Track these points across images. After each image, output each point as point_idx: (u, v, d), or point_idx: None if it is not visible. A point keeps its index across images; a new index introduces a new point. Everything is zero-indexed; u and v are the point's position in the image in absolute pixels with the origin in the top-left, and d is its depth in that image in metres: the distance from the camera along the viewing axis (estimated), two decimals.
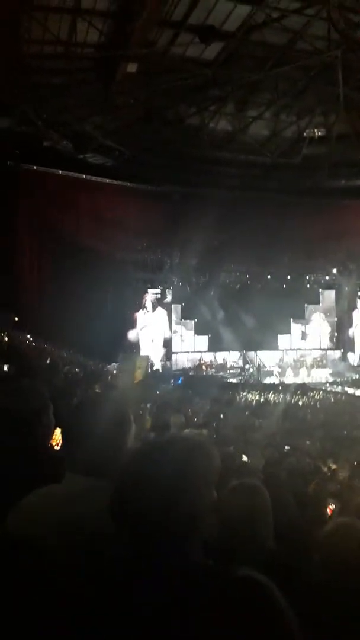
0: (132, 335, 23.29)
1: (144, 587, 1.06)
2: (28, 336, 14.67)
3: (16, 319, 16.57)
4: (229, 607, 0.99)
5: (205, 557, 1.16)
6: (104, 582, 1.12)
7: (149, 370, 20.73)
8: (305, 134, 20.78)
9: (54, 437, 2.16)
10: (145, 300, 23.93)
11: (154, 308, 23.94)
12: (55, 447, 2.14)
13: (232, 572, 1.06)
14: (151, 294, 24.02)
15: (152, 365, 21.82)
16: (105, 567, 1.15)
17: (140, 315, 23.72)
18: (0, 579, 1.44)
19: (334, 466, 8.31)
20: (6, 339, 11.48)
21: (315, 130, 21.21)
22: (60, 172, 20.46)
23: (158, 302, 24.12)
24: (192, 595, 1.02)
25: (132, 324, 23.45)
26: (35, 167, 19.56)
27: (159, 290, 24.20)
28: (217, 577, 1.07)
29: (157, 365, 23.32)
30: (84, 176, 21.13)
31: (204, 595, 1.02)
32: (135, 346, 23.08)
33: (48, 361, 9.59)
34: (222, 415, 14.02)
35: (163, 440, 1.27)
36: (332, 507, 4.89)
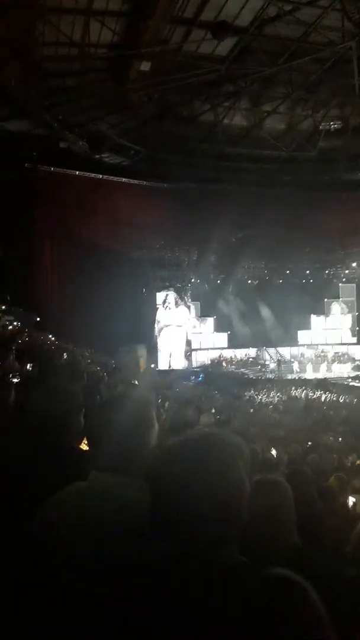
0: (152, 332, 23.37)
1: (182, 586, 1.06)
2: (50, 336, 14.80)
3: (37, 319, 16.74)
4: (265, 607, 0.99)
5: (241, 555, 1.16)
6: (138, 580, 1.12)
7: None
8: (321, 127, 20.57)
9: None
10: (166, 298, 23.97)
11: (175, 305, 23.97)
12: (82, 446, 2.18)
13: (268, 572, 1.06)
14: (171, 292, 24.05)
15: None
16: (140, 566, 1.14)
17: (160, 313, 23.76)
18: (29, 574, 1.47)
19: (357, 461, 8.24)
20: (27, 338, 11.60)
21: (331, 122, 20.99)
22: (77, 172, 20.59)
23: (179, 300, 24.14)
24: (229, 594, 1.02)
25: (152, 322, 23.52)
26: (52, 169, 19.71)
27: (177, 288, 24.22)
28: (253, 577, 1.06)
29: (181, 363, 23.38)
30: (101, 176, 21.23)
31: (240, 595, 1.01)
32: (155, 344, 23.18)
33: (69, 360, 9.68)
34: (243, 412, 14.00)
35: (195, 437, 1.23)
36: (354, 502, 4.86)
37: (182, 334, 23.91)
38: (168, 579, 1.08)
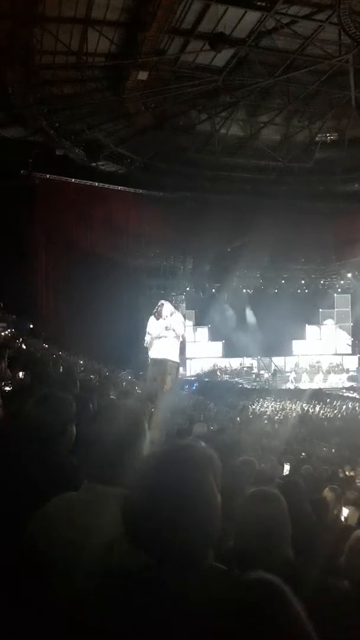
0: (146, 342, 23.30)
1: (158, 595, 1.07)
2: (43, 343, 14.75)
3: (31, 326, 16.68)
4: (241, 610, 0.99)
5: (217, 562, 1.20)
6: (116, 591, 1.13)
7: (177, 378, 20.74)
8: (317, 138, 20.73)
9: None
10: (160, 307, 23.93)
11: (169, 314, 23.92)
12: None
13: (245, 575, 1.07)
14: (166, 300, 24.02)
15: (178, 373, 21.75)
16: (118, 577, 1.16)
17: (154, 322, 23.71)
18: (19, 583, 1.46)
19: (351, 473, 8.23)
20: (23, 346, 11.55)
21: (328, 134, 21.16)
22: (73, 180, 20.63)
23: (174, 308, 24.11)
24: (206, 600, 1.03)
25: (146, 331, 23.47)
26: (48, 176, 19.74)
27: (173, 297, 24.21)
28: (230, 582, 1.09)
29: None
30: (97, 184, 21.28)
31: (216, 599, 1.02)
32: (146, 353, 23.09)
33: (63, 368, 9.63)
34: (237, 421, 13.96)
35: (165, 451, 1.29)
36: (348, 514, 4.84)
37: (175, 343, 23.83)
38: (146, 588, 1.09)
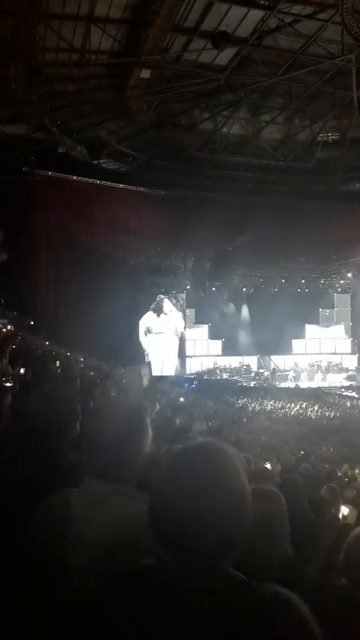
0: (145, 339, 23.36)
1: (177, 598, 1.04)
2: (44, 340, 14.75)
3: (32, 322, 16.69)
4: (260, 625, 0.98)
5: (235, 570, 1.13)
6: (121, 591, 1.10)
7: (152, 374, 20.71)
8: (318, 138, 20.73)
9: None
10: (159, 304, 23.97)
11: (168, 312, 23.98)
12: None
13: (263, 588, 1.05)
14: (165, 298, 24.07)
15: (152, 369, 21.71)
16: (134, 575, 1.13)
17: (153, 319, 23.77)
18: (20, 580, 1.46)
19: (350, 471, 8.25)
20: (21, 342, 11.55)
21: (329, 134, 21.15)
22: (74, 177, 20.62)
23: (172, 307, 24.16)
24: (224, 611, 1.01)
25: (145, 328, 23.52)
26: (50, 173, 19.73)
27: (171, 295, 24.24)
28: (248, 594, 1.05)
29: (172, 370, 23.33)
30: (98, 182, 21.27)
31: (235, 611, 1.01)
32: (144, 351, 23.15)
33: (63, 365, 9.63)
34: (236, 420, 13.99)
35: (191, 448, 1.19)
36: (346, 512, 4.86)
37: (174, 341, 23.90)
38: (163, 589, 1.06)
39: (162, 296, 23.99)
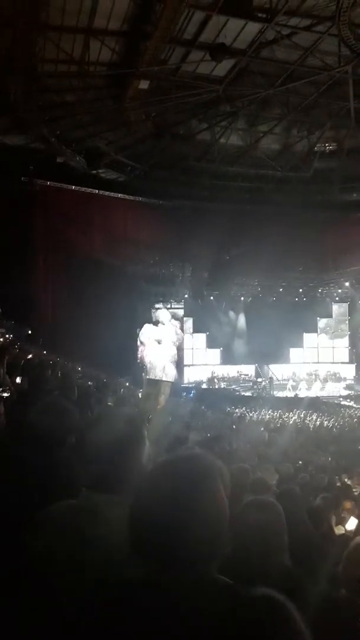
0: (142, 349, 23.35)
1: (160, 607, 1.05)
2: (41, 349, 14.71)
3: (29, 331, 16.66)
4: (247, 627, 0.98)
5: (220, 575, 1.14)
6: (116, 601, 1.11)
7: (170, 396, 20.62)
8: (316, 148, 20.86)
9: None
10: (157, 313, 23.98)
11: (165, 322, 23.98)
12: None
13: (250, 591, 1.05)
14: (163, 308, 24.08)
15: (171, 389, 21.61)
16: (118, 587, 1.14)
17: (151, 329, 23.76)
18: (17, 590, 1.45)
19: (348, 481, 8.22)
20: (18, 351, 11.51)
21: (326, 144, 21.30)
22: (73, 187, 20.70)
23: (170, 316, 24.17)
24: (210, 615, 1.01)
25: (143, 338, 23.51)
26: (48, 183, 19.80)
27: (169, 304, 24.26)
28: (234, 597, 1.05)
29: (170, 379, 23.28)
30: (97, 191, 21.35)
31: (221, 615, 1.01)
32: (143, 361, 23.11)
33: (60, 374, 9.60)
34: (234, 429, 13.93)
35: (173, 459, 1.22)
36: (345, 523, 4.84)
37: (171, 350, 23.88)
38: (148, 600, 1.06)
39: (159, 305, 24.02)
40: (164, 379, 20.18)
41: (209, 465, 1.19)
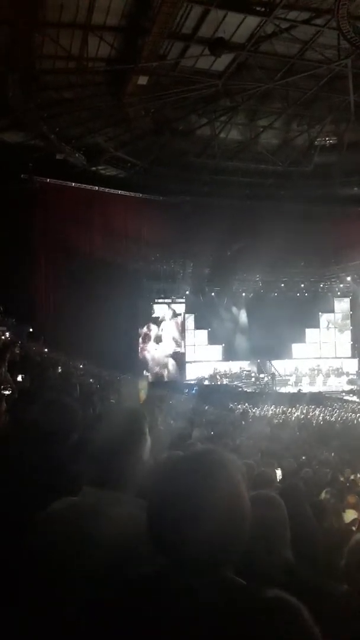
0: (143, 347, 23.36)
1: (177, 605, 1.04)
2: (43, 347, 14.73)
3: (31, 329, 16.67)
4: (259, 629, 0.98)
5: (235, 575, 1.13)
6: (131, 600, 1.10)
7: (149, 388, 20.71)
8: (316, 142, 20.80)
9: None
10: (158, 311, 23.98)
11: (166, 318, 23.98)
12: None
13: (263, 592, 1.05)
14: (164, 304, 24.08)
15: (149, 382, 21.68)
16: (134, 582, 1.13)
17: (152, 326, 23.77)
18: (20, 589, 1.45)
19: (352, 476, 8.22)
20: (20, 349, 11.52)
21: (327, 138, 21.23)
22: (73, 184, 20.67)
23: (171, 312, 24.16)
24: (224, 616, 1.01)
25: (145, 335, 23.52)
26: (48, 180, 19.77)
27: (170, 301, 24.25)
28: (248, 598, 1.06)
29: (172, 376, 23.31)
30: (97, 188, 21.32)
31: (235, 616, 1.01)
32: (145, 358, 23.12)
33: (62, 372, 9.61)
34: (237, 425, 13.95)
35: (191, 454, 1.21)
36: (351, 517, 4.83)
37: (173, 347, 23.89)
38: (164, 597, 1.06)
39: (160, 302, 24.01)
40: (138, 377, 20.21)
41: (227, 460, 1.18)
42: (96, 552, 1.37)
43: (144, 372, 22.30)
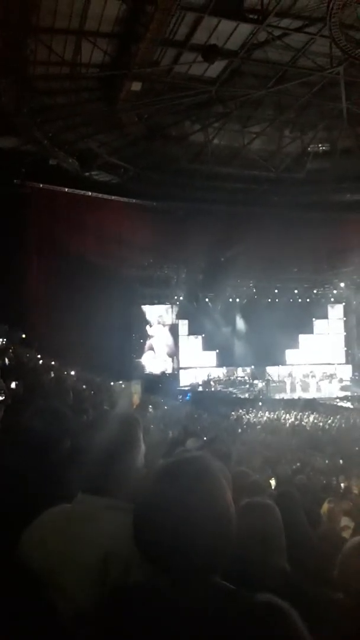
0: (138, 352, 23.32)
1: (167, 612, 1.04)
2: (36, 353, 14.66)
3: (23, 335, 16.59)
4: (249, 634, 0.98)
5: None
6: (114, 606, 1.09)
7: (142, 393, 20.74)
8: (309, 149, 20.92)
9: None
10: (151, 316, 23.96)
11: (160, 324, 23.97)
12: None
13: (254, 597, 1.05)
14: (157, 310, 24.07)
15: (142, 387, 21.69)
16: (125, 591, 1.13)
17: (145, 332, 23.74)
18: (12, 596, 1.43)
19: (345, 483, 8.21)
20: (12, 355, 11.46)
21: (320, 144, 21.36)
22: (66, 189, 20.66)
23: (164, 318, 24.15)
24: (213, 621, 1.00)
25: (138, 341, 23.49)
26: (41, 185, 19.75)
27: (164, 307, 24.25)
28: (238, 603, 1.05)
29: (165, 381, 23.26)
30: (90, 193, 21.32)
31: (225, 621, 1.00)
32: (139, 363, 23.08)
33: (55, 378, 9.58)
34: (231, 432, 13.93)
35: (176, 461, 1.21)
36: (346, 524, 4.82)
37: (169, 352, 23.88)
38: (154, 603, 1.06)
39: (154, 307, 24.00)
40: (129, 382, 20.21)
41: (213, 467, 1.18)
42: (89, 558, 1.37)
43: (138, 377, 22.28)
